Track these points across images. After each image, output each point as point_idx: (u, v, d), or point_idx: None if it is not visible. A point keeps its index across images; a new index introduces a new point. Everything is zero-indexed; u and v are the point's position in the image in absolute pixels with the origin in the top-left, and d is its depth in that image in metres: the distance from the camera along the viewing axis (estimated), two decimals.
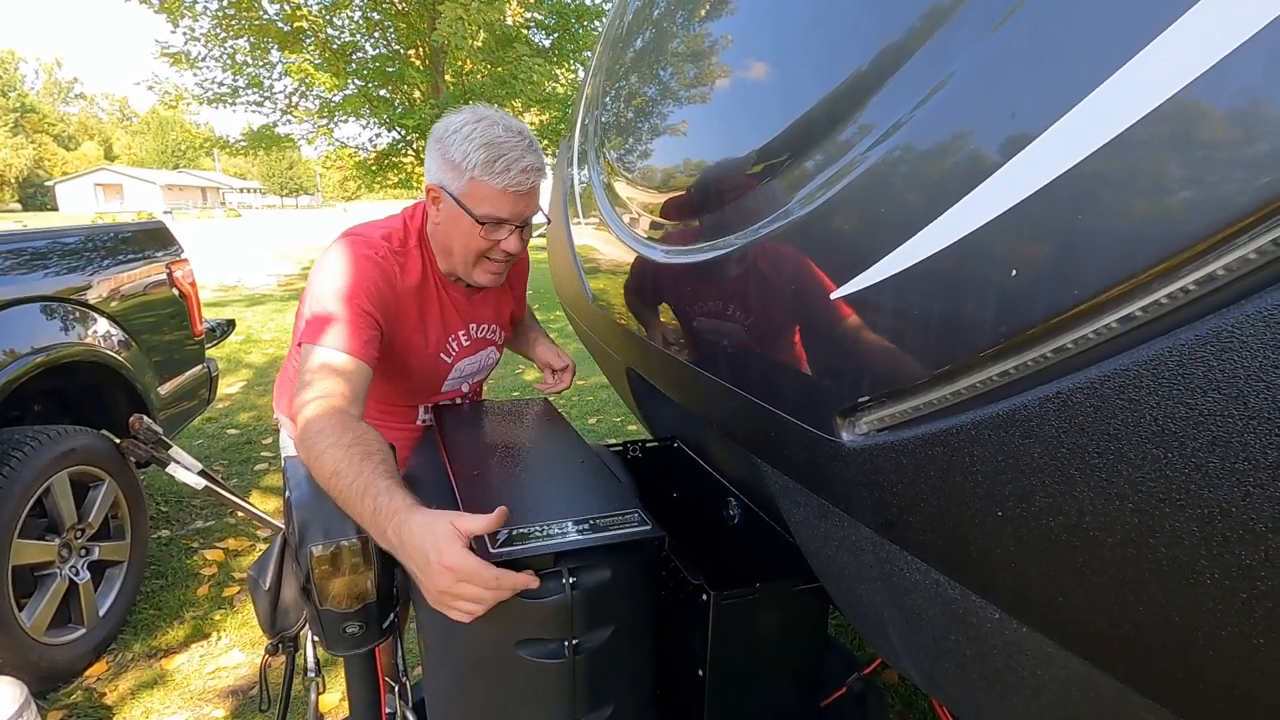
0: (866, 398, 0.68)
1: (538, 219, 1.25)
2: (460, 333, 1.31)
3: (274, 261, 13.55)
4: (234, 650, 2.21)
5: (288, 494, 0.93)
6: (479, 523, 0.78)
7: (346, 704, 1.74)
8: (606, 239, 1.50)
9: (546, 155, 1.22)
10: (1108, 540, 0.47)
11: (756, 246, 0.83)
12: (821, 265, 0.73)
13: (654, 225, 1.19)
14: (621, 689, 0.89)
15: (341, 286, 1.09)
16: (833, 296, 0.71)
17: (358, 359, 1.04)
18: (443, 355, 1.30)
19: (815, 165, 0.72)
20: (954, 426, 0.58)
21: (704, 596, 0.96)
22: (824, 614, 1.05)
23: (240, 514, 2.91)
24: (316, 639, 1.02)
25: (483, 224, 1.13)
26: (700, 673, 1.00)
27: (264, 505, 3.04)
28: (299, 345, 1.07)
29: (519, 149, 1.10)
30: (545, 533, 0.83)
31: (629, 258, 1.33)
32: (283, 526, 2.75)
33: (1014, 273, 0.52)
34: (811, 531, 0.87)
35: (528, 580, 0.78)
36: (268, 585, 0.98)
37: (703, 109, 1.04)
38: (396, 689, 1.08)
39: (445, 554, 0.76)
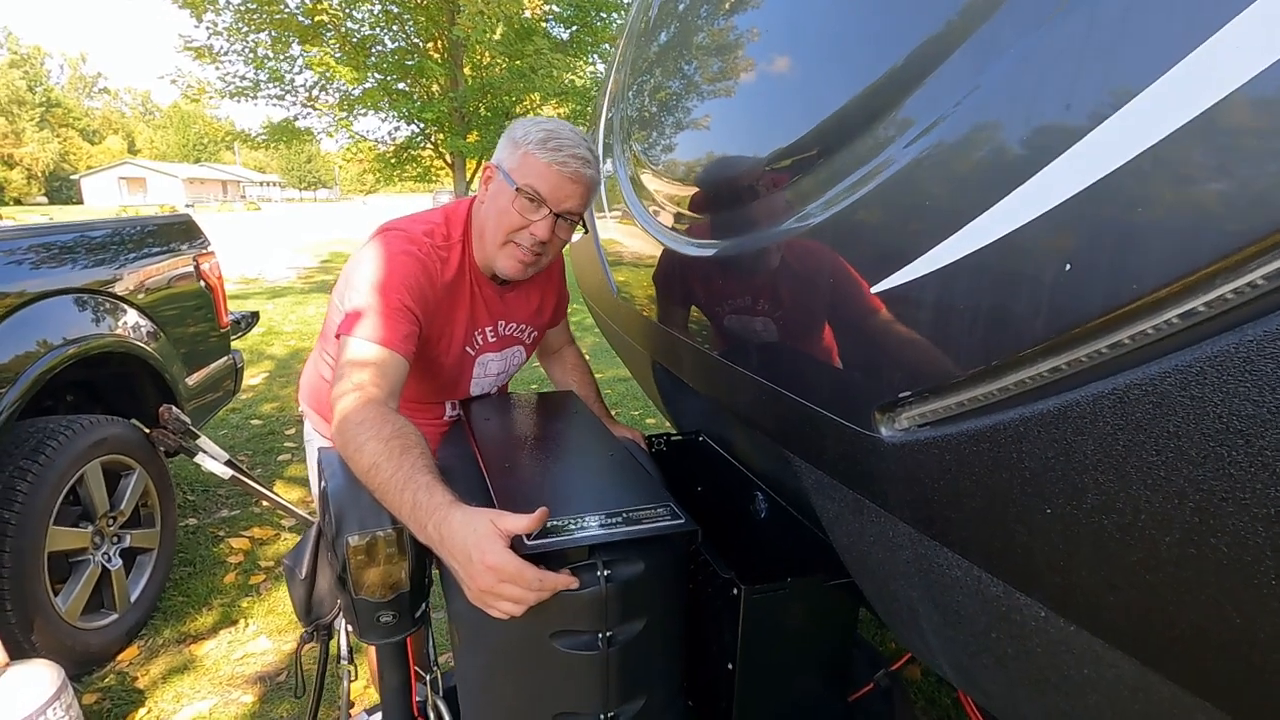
0: (908, 393, 0.67)
1: (577, 229, 1.25)
2: (487, 328, 1.31)
3: (293, 254, 13.69)
4: (261, 637, 2.25)
5: (323, 484, 0.94)
6: (520, 522, 0.78)
7: (374, 691, 1.77)
8: (633, 232, 1.50)
9: (594, 197, 1.23)
10: (1166, 539, 0.46)
11: (794, 240, 0.82)
12: (863, 259, 0.72)
13: (684, 219, 1.19)
14: (653, 682, 0.89)
15: (383, 280, 1.10)
16: (874, 291, 0.70)
17: (396, 353, 1.04)
18: (467, 349, 1.29)
19: (859, 158, 0.71)
20: (1002, 422, 0.57)
21: (735, 590, 0.96)
22: (854, 609, 1.05)
23: (265, 503, 2.95)
24: (350, 628, 1.04)
25: (520, 193, 1.13)
26: (730, 666, 1.00)
27: (288, 495, 3.09)
28: (337, 337, 1.08)
29: (575, 141, 1.15)
30: (579, 525, 0.84)
31: (657, 251, 1.32)
32: (306, 515, 2.78)
33: (1069, 267, 0.51)
34: (845, 527, 0.87)
35: (569, 580, 0.79)
36: (303, 574, 0.99)
37: (738, 102, 1.03)
38: (427, 678, 1.10)
39: (488, 554, 0.76)
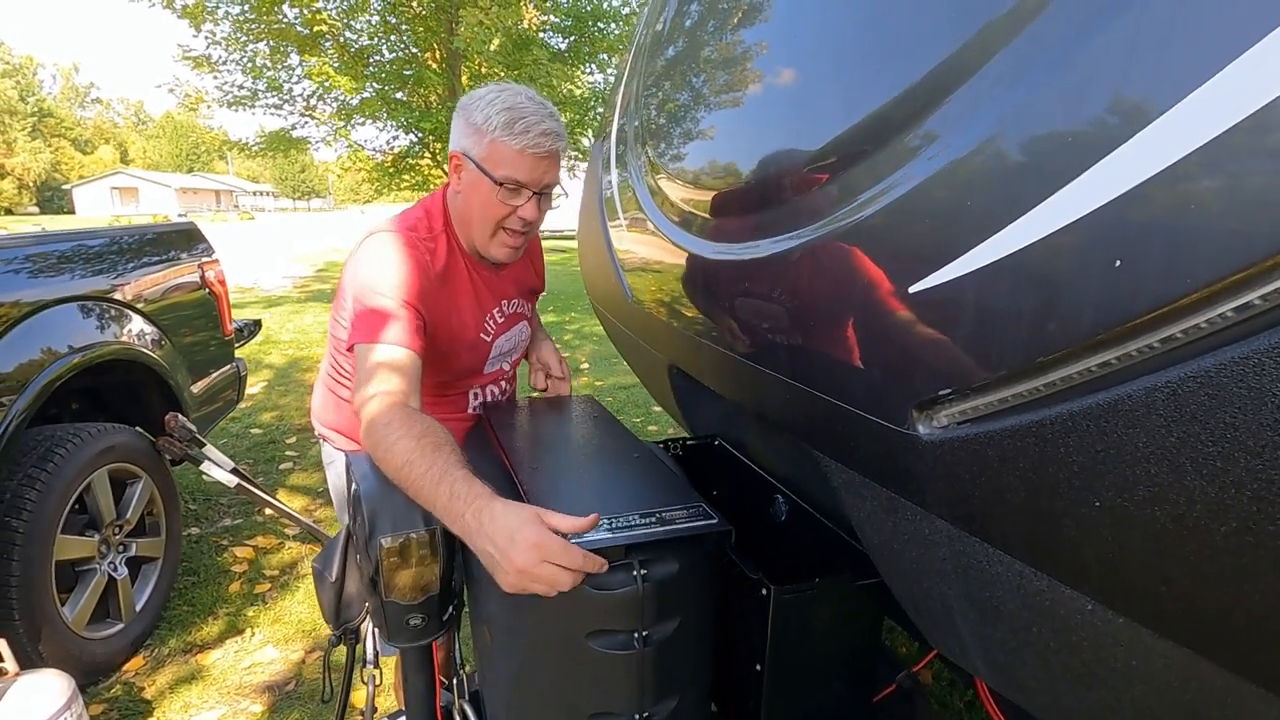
0: (949, 390, 0.68)
1: (555, 192, 1.27)
2: (495, 310, 1.34)
3: (288, 264, 13.66)
4: (268, 646, 2.23)
5: (354, 487, 0.94)
6: (568, 522, 0.79)
7: (397, 696, 1.75)
8: (649, 237, 1.51)
9: (564, 158, 1.24)
10: (1221, 529, 0.47)
11: (829, 241, 0.83)
12: (903, 259, 0.73)
13: (707, 223, 1.20)
14: (685, 681, 0.89)
15: (382, 283, 1.11)
16: (912, 290, 0.71)
17: (410, 351, 1.06)
18: (482, 335, 1.32)
19: (899, 157, 0.73)
20: (1047, 418, 0.58)
21: (764, 591, 0.97)
22: (881, 609, 1.05)
23: (269, 511, 2.94)
24: (377, 631, 1.04)
25: (501, 185, 1.15)
26: (758, 667, 1.00)
27: (291, 503, 3.07)
28: (350, 348, 1.08)
29: (539, 114, 1.13)
30: (614, 524, 0.84)
31: (675, 256, 1.33)
32: (310, 524, 2.77)
33: (1118, 263, 0.52)
34: (877, 526, 0.88)
35: (603, 563, 0.79)
36: (333, 577, 0.99)
37: (764, 102, 1.05)
38: (454, 682, 1.09)
39: (531, 533, 0.77)
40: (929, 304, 0.70)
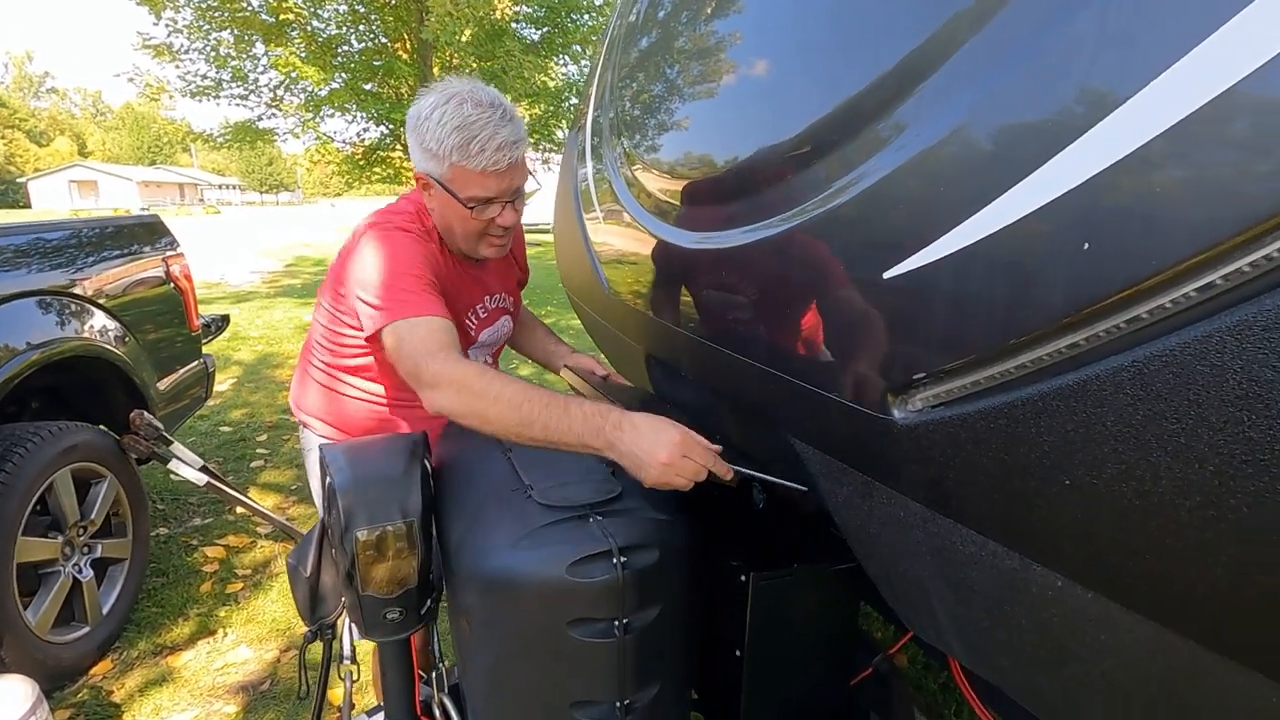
0: (923, 374, 0.69)
1: (529, 185, 1.27)
2: (479, 306, 1.36)
3: (256, 258, 13.38)
4: (242, 646, 2.19)
5: (329, 480, 0.93)
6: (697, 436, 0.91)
7: (376, 691, 1.73)
8: (626, 228, 1.50)
9: (538, 150, 1.23)
10: (1186, 504, 0.49)
11: (802, 229, 0.83)
12: (874, 246, 0.74)
13: (684, 212, 1.20)
14: (667, 669, 0.90)
15: (401, 265, 1.11)
16: (886, 276, 0.72)
17: (446, 319, 1.07)
18: (468, 329, 1.34)
19: (870, 145, 0.73)
20: (1018, 399, 0.59)
21: (743, 577, 0.97)
22: (858, 593, 1.07)
23: (240, 510, 2.88)
24: (354, 626, 1.02)
25: (471, 207, 1.15)
26: (737, 653, 1.01)
27: (263, 501, 3.02)
28: (377, 332, 1.07)
29: (491, 125, 1.10)
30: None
31: (652, 246, 1.33)
32: (284, 522, 2.73)
33: (1086, 246, 0.53)
34: (854, 511, 0.89)
35: (730, 471, 0.92)
36: (308, 572, 0.97)
37: (738, 92, 1.05)
38: (432, 675, 1.08)
39: (675, 432, 0.89)
40: (902, 290, 0.70)
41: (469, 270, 1.31)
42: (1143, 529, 0.52)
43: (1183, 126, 0.46)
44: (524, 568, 0.82)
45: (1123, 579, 0.55)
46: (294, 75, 9.64)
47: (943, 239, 0.65)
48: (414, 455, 0.98)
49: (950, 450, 0.68)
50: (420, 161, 1.17)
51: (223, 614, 2.36)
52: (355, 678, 1.07)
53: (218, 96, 9.99)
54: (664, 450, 0.88)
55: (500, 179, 1.15)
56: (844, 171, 0.77)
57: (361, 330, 1.20)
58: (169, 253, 2.82)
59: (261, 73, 10.12)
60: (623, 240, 1.55)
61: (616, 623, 0.81)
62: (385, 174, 11.35)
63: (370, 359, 1.26)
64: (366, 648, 1.74)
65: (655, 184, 1.33)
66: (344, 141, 11.05)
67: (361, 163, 11.07)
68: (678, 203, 1.23)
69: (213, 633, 2.27)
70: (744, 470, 0.94)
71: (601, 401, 0.93)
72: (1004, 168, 0.59)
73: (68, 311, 2.24)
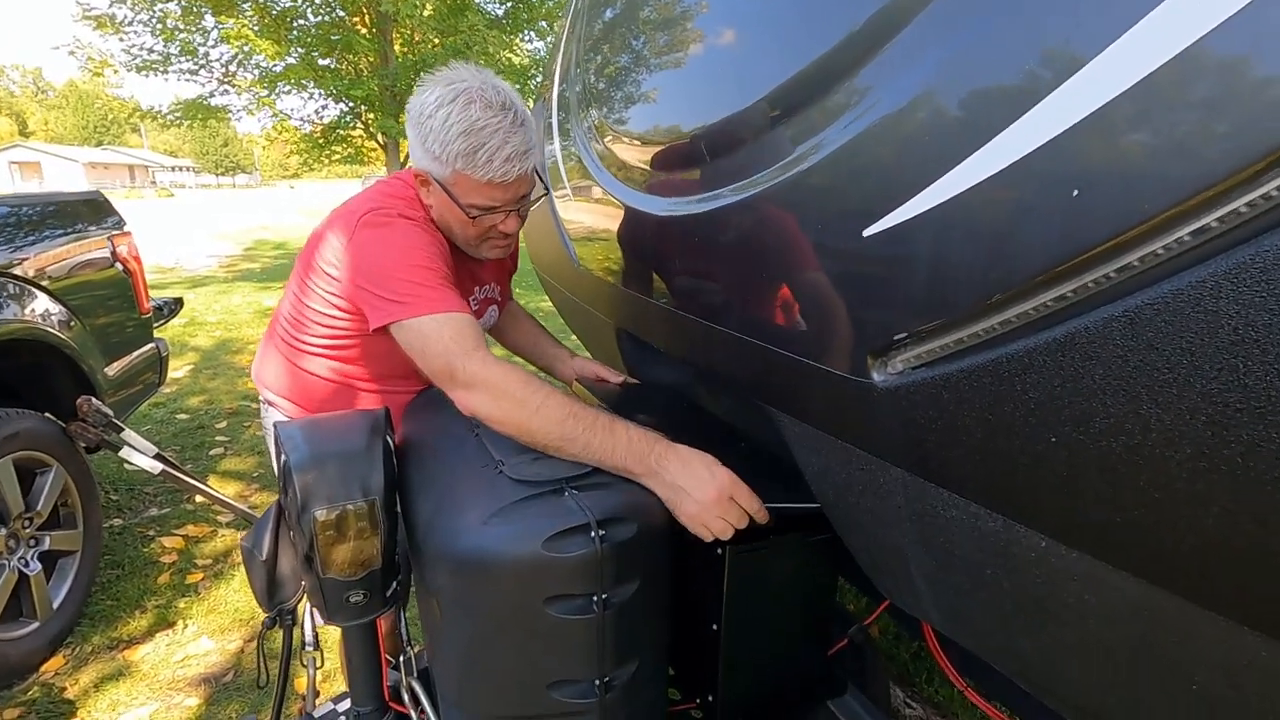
0: (904, 335, 0.67)
1: (535, 191, 1.22)
2: (469, 298, 1.31)
3: (213, 242, 12.94)
4: (203, 638, 2.13)
5: (284, 459, 0.88)
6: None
7: (340, 680, 1.69)
8: (595, 201, 1.46)
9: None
10: (1177, 456, 0.47)
11: (778, 190, 0.80)
12: (852, 204, 0.71)
13: (654, 179, 1.16)
14: (645, 644, 0.87)
15: (422, 256, 1.05)
16: (866, 234, 0.69)
17: (472, 317, 1.03)
18: None
19: (845, 102, 0.70)
20: (1003, 356, 0.58)
21: (718, 550, 0.95)
22: (834, 564, 1.06)
23: (200, 499, 2.79)
24: (315, 610, 0.98)
25: (473, 216, 1.11)
26: (714, 626, 0.99)
27: (224, 490, 2.92)
28: (387, 324, 1.01)
29: (501, 133, 1.03)
30: None
31: (623, 216, 1.29)
32: (245, 510, 2.65)
33: (1075, 193, 0.51)
34: (831, 479, 0.87)
35: (768, 518, 0.90)
36: (264, 555, 0.93)
37: (709, 55, 1.01)
38: (401, 659, 1.05)
39: (724, 474, 0.88)
40: (882, 248, 0.68)
41: (464, 261, 1.25)
42: (1131, 484, 0.51)
43: (1178, 62, 0.44)
44: (497, 545, 0.78)
45: (1109, 536, 0.54)
46: (246, 49, 9.26)
47: (924, 193, 0.62)
48: (375, 431, 0.93)
49: (931, 412, 0.66)
50: (420, 159, 1.10)
51: (182, 605, 2.28)
52: (319, 664, 1.03)
53: (165, 71, 9.55)
54: (712, 489, 0.86)
55: (506, 190, 1.10)
56: (818, 129, 0.74)
57: (346, 315, 1.14)
58: (115, 232, 2.68)
59: (212, 46, 9.70)
60: (593, 214, 1.51)
61: (595, 598, 0.79)
62: (346, 154, 11.01)
63: (350, 342, 1.20)
64: (332, 633, 1.70)
65: (626, 154, 1.29)
66: (302, 120, 10.69)
67: (320, 142, 10.72)
68: (649, 171, 1.19)
69: (172, 625, 2.19)
70: (775, 507, 0.93)
71: (646, 429, 0.91)
72: (987, 116, 0.56)
73: (6, 293, 2.11)
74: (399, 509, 0.97)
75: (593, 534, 0.78)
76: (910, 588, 0.84)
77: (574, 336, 2.91)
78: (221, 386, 4.44)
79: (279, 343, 1.29)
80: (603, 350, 1.80)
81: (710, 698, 1.03)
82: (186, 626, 2.19)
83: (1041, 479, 0.58)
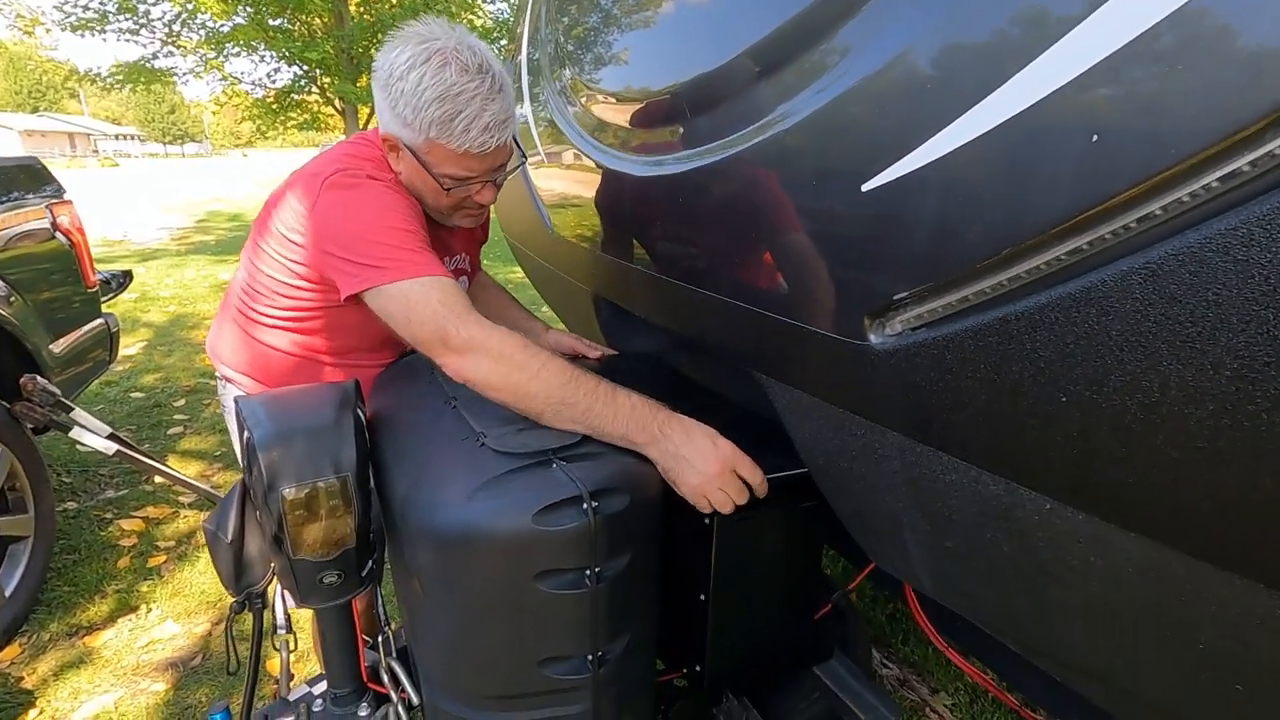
0: (904, 294, 0.65)
1: (513, 160, 1.15)
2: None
3: (163, 214, 12.39)
4: (168, 621, 2.06)
5: (246, 435, 0.82)
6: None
7: (314, 660, 1.65)
8: (569, 164, 1.41)
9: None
10: (1198, 413, 0.46)
11: (770, 143, 0.77)
12: (851, 156, 0.68)
13: (635, 138, 1.11)
14: (638, 616, 0.85)
15: (398, 219, 0.99)
16: (865, 189, 0.66)
17: (450, 279, 0.97)
18: None
19: (847, 45, 0.66)
20: (1011, 314, 0.55)
21: (706, 519, 0.93)
22: (821, 531, 1.05)
23: (159, 479, 2.69)
24: (287, 592, 0.94)
25: (448, 188, 1.05)
26: (702, 597, 0.98)
27: (184, 469, 2.82)
28: (361, 291, 0.95)
29: (479, 100, 0.96)
30: None
31: (601, 178, 1.24)
32: (208, 489, 2.56)
33: (1095, 138, 0.48)
34: (824, 445, 0.85)
35: (765, 490, 0.88)
36: (229, 538, 0.87)
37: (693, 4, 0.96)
38: (379, 640, 1.01)
39: (728, 445, 0.86)
40: (882, 204, 0.65)
41: (434, 229, 1.18)
42: (1147, 443, 0.49)
43: (1192, 7, 0.41)
44: (483, 521, 0.75)
45: (1120, 498, 0.53)
46: (190, 7, 8.77)
47: (929, 143, 0.59)
48: (344, 404, 0.88)
49: (932, 374, 0.64)
50: (389, 123, 1.02)
51: (145, 589, 2.20)
52: (292, 647, 0.99)
53: (103, 31, 9.01)
54: (716, 461, 0.84)
55: (484, 160, 1.03)
56: (815, 77, 0.70)
57: (310, 285, 1.08)
58: (54, 201, 2.52)
59: (153, 4, 9.17)
60: (568, 178, 1.45)
61: (588, 572, 0.76)
62: (302, 120, 10.58)
63: (314, 314, 1.13)
64: (305, 614, 1.65)
65: (604, 113, 1.24)
66: (253, 84, 10.22)
67: (275, 107, 10.28)
68: (629, 131, 1.14)
69: (135, 609, 2.12)
70: (775, 478, 0.92)
71: (649, 398, 0.89)
72: (1003, 55, 0.53)
73: None
74: (372, 486, 0.93)
75: (585, 506, 0.75)
76: (902, 552, 0.83)
77: (546, 309, 2.85)
78: (178, 363, 4.28)
79: (236, 315, 1.21)
80: (579, 319, 1.76)
81: (697, 668, 1.02)
82: (150, 610, 2.12)
83: (1049, 441, 0.56)
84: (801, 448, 0.91)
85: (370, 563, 0.96)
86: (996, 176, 0.55)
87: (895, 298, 0.66)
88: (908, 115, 0.61)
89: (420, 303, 0.92)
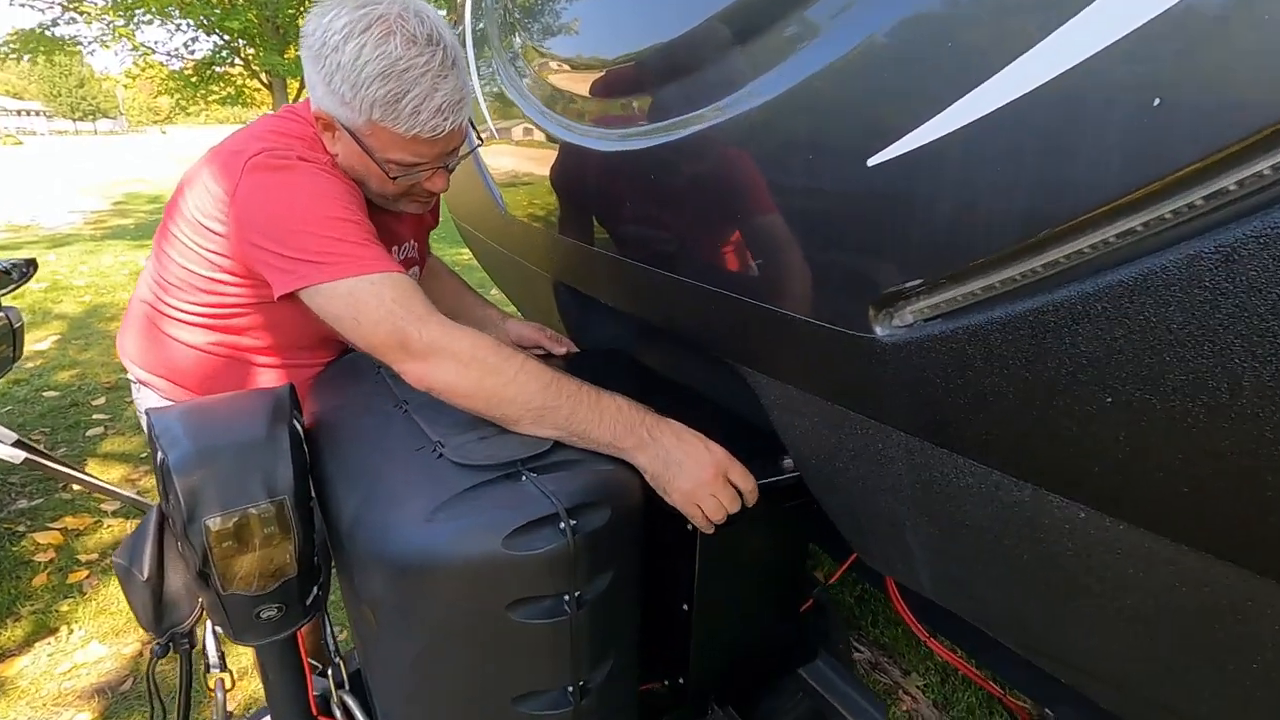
0: (918, 281, 0.58)
1: (468, 144, 1.04)
2: None
3: (76, 196, 11.53)
4: (93, 643, 1.89)
5: (161, 457, 0.70)
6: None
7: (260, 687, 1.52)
8: (523, 139, 1.30)
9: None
10: (1275, 415, 0.40)
11: (761, 110, 0.68)
12: (857, 125, 0.60)
13: (597, 110, 1.01)
14: (621, 639, 0.78)
15: (338, 208, 0.87)
16: (871, 164, 0.59)
17: (404, 274, 0.86)
18: None
19: None
20: (1048, 304, 0.49)
21: (689, 526, 0.86)
22: (807, 533, 0.99)
23: (77, 487, 2.47)
24: (218, 629, 0.82)
25: (394, 176, 0.93)
26: (685, 607, 0.91)
27: (107, 474, 2.61)
28: (297, 290, 0.83)
29: (430, 77, 0.84)
30: None
31: (559, 155, 1.14)
32: (133, 496, 2.36)
33: (1158, 102, 0.42)
34: (817, 444, 0.79)
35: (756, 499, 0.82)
36: (145, 574, 0.76)
37: None
38: (329, 671, 0.91)
39: (721, 452, 0.80)
40: (891, 181, 0.58)
41: (378, 216, 1.04)
42: (1209, 449, 0.44)
43: None
44: (445, 546, 0.65)
45: (1172, 508, 0.47)
46: None
47: (953, 108, 0.52)
48: (278, 414, 0.77)
49: (949, 370, 0.57)
50: (323, 99, 0.88)
51: (65, 608, 2.02)
52: (229, 686, 0.88)
53: None
54: (709, 466, 0.78)
55: (434, 145, 0.90)
56: (819, 28, 0.62)
57: (236, 280, 0.95)
58: None
59: None
60: (522, 154, 1.34)
61: (567, 598, 0.67)
62: (225, 94, 9.93)
63: (240, 310, 1.00)
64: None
65: (562, 82, 1.13)
66: (169, 55, 9.50)
67: (194, 81, 9.59)
68: (593, 101, 1.04)
69: (54, 631, 1.93)
70: (766, 483, 0.86)
71: (633, 400, 0.82)
72: (1037, 14, 0.46)
73: None
74: (314, 504, 0.82)
75: (562, 525, 0.66)
76: (901, 554, 0.78)
77: (496, 290, 2.72)
78: (96, 358, 3.97)
79: (148, 310, 1.07)
80: (537, 308, 1.66)
81: (680, 679, 0.96)
82: (72, 632, 1.94)
83: (1090, 446, 0.50)
84: (791, 446, 0.84)
85: (315, 589, 0.85)
86: (1033, 148, 0.48)
87: (906, 285, 0.59)
88: (931, 73, 0.53)
89: (371, 303, 0.80)
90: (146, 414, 0.78)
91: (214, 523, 0.67)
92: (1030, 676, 1.05)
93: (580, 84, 1.07)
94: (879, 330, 0.63)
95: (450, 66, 0.87)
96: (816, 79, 0.61)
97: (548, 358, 1.23)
